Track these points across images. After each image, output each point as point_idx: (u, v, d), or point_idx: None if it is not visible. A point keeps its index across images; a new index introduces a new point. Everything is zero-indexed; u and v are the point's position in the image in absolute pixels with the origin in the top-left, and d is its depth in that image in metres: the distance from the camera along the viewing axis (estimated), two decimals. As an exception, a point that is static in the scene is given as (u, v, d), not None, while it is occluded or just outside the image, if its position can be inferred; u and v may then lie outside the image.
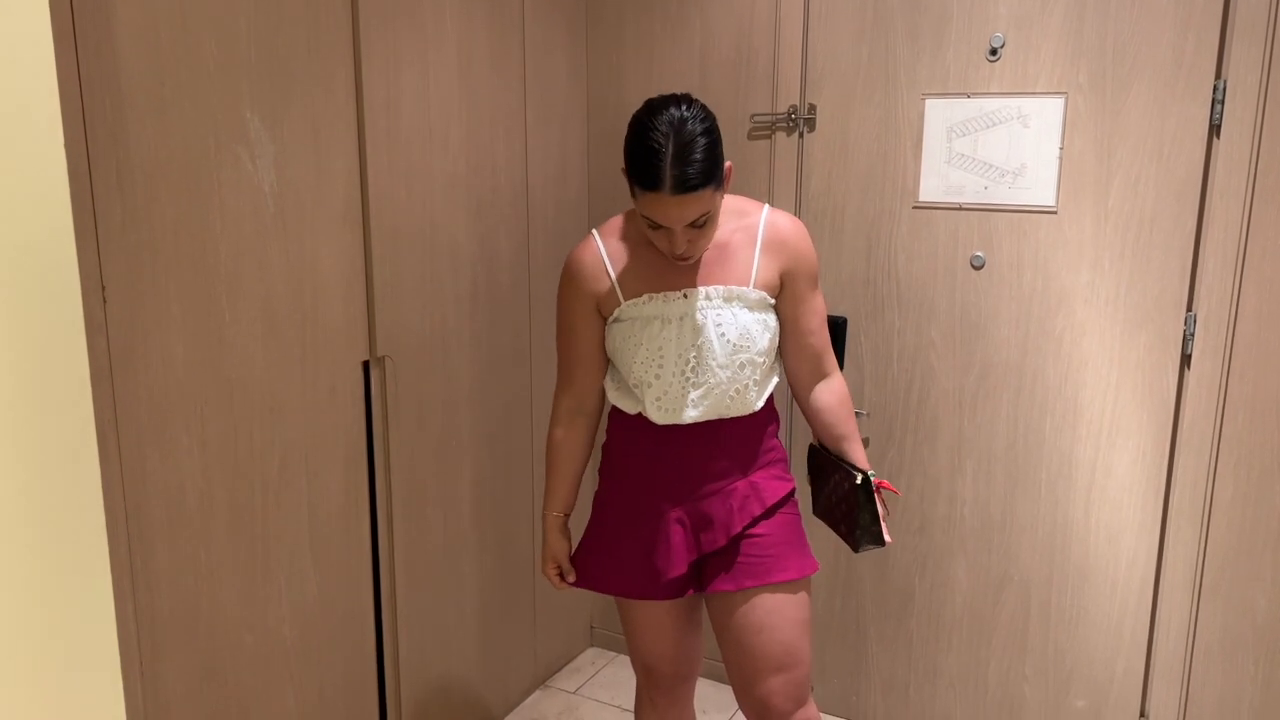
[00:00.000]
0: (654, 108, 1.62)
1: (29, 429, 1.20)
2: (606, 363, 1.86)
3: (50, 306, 1.21)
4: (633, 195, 1.66)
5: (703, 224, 1.64)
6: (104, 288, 1.57)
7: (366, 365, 2.11)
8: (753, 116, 2.49)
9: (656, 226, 1.65)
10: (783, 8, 2.43)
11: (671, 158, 1.56)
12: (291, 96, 1.86)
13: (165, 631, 1.75)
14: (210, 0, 1.69)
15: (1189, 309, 2.15)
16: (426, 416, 2.29)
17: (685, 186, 1.57)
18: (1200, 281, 2.13)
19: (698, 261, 1.76)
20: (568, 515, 1.94)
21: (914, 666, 2.58)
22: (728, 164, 1.67)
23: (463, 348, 2.38)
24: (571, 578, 1.94)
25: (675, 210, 1.60)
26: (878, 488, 1.83)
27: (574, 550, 1.95)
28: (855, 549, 1.85)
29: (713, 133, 1.62)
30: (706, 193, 1.60)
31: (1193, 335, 2.15)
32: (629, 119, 1.66)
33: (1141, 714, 2.35)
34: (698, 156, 1.57)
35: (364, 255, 2.07)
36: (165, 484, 1.72)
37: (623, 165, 1.66)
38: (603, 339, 1.84)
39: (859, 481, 1.81)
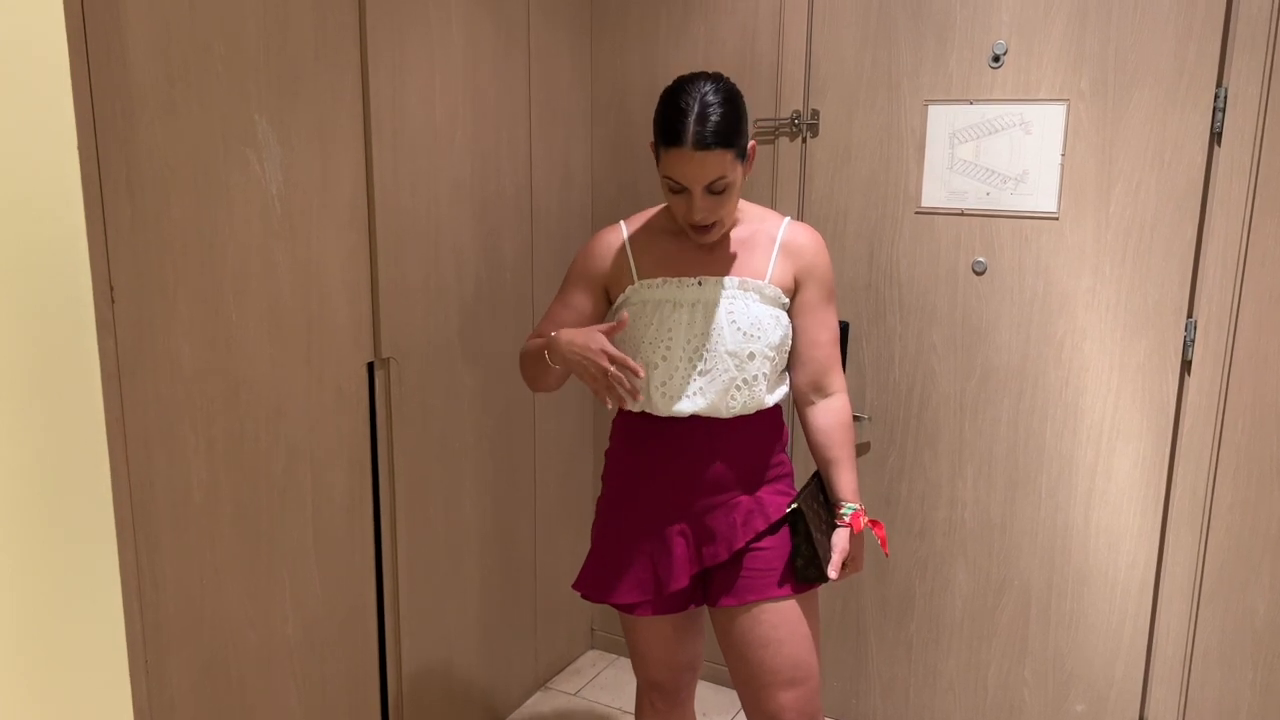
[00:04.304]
0: (684, 78, 1.69)
1: (38, 428, 1.22)
2: None
3: (60, 307, 1.23)
4: (658, 163, 1.70)
5: (721, 190, 1.67)
6: (112, 288, 1.59)
7: (371, 367, 2.13)
8: (756, 121, 2.50)
9: (678, 190, 1.67)
10: (786, 13, 2.44)
11: (695, 116, 1.62)
12: (299, 100, 1.88)
13: (170, 628, 1.76)
14: (219, 4, 1.71)
15: (1189, 315, 2.16)
16: (430, 418, 2.30)
17: (705, 143, 1.62)
18: (1201, 288, 2.14)
19: (715, 252, 1.78)
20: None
21: (914, 669, 2.59)
22: (752, 142, 1.71)
23: (466, 350, 2.39)
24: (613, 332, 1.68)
25: (695, 167, 1.63)
26: (868, 525, 1.81)
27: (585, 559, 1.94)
28: (794, 578, 1.78)
29: (737, 102, 1.67)
30: (727, 156, 1.64)
31: (1193, 341, 2.16)
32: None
33: (1140, 718, 2.35)
34: (719, 119, 1.63)
35: (369, 257, 2.08)
36: (172, 483, 1.73)
37: (650, 141, 1.71)
38: (587, 319, 1.84)
39: (789, 509, 1.79)
